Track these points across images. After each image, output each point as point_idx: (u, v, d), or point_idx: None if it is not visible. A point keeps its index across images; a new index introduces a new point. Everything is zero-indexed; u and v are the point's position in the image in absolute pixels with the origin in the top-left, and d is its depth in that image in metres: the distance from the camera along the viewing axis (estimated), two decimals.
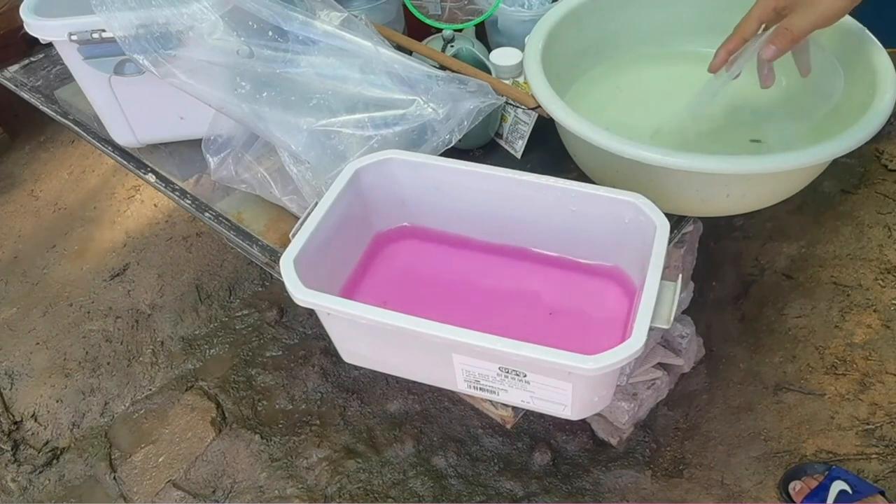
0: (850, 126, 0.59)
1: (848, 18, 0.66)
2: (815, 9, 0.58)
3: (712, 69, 0.66)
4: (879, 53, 0.65)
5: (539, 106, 0.67)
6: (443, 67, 0.76)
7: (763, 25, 0.63)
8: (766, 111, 0.74)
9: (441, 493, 1.16)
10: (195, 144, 0.77)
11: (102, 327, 1.51)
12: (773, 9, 0.61)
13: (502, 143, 0.80)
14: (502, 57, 0.80)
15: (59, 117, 0.97)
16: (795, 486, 1.06)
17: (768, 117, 0.74)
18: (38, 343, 1.50)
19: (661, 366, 1.14)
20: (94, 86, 0.79)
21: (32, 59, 1.09)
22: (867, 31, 0.67)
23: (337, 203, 0.60)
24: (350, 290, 0.65)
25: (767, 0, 0.61)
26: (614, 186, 0.59)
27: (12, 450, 1.33)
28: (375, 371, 0.65)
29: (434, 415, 1.26)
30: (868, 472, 1.09)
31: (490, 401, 0.62)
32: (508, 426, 0.85)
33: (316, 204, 0.60)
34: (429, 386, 0.81)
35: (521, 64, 0.78)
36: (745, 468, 1.13)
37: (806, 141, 0.69)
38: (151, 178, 0.86)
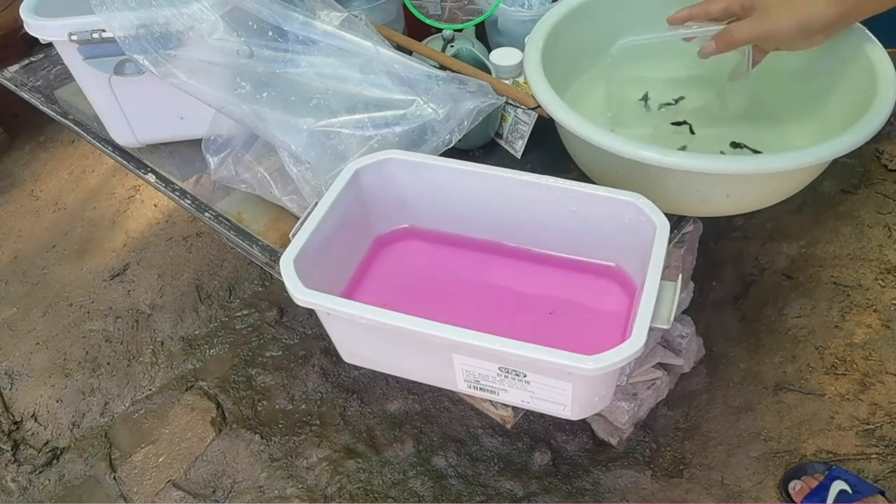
0: (850, 126, 0.58)
1: None
2: (764, 23, 0.61)
3: (670, 21, 0.69)
4: (879, 53, 0.65)
5: (539, 106, 0.67)
6: (443, 67, 0.76)
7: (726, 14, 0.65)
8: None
9: (441, 493, 1.16)
10: (195, 144, 0.77)
11: (102, 327, 1.51)
12: (739, 4, 0.63)
13: (502, 143, 0.80)
14: (502, 57, 0.80)
15: (59, 117, 0.97)
16: (795, 486, 1.06)
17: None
18: (38, 343, 1.50)
19: (661, 366, 1.13)
20: (94, 86, 0.79)
21: (32, 59, 1.09)
22: (867, 30, 0.67)
23: (337, 203, 0.60)
24: (350, 291, 0.65)
25: None
26: (614, 186, 0.59)
27: (12, 450, 1.33)
28: (375, 371, 0.65)
29: (434, 415, 1.26)
30: (868, 472, 1.09)
31: (490, 401, 0.62)
32: (508, 426, 0.85)
33: (316, 204, 0.60)
34: (429, 386, 0.81)
35: (521, 64, 0.78)
36: (745, 468, 1.13)
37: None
38: (151, 178, 0.86)
